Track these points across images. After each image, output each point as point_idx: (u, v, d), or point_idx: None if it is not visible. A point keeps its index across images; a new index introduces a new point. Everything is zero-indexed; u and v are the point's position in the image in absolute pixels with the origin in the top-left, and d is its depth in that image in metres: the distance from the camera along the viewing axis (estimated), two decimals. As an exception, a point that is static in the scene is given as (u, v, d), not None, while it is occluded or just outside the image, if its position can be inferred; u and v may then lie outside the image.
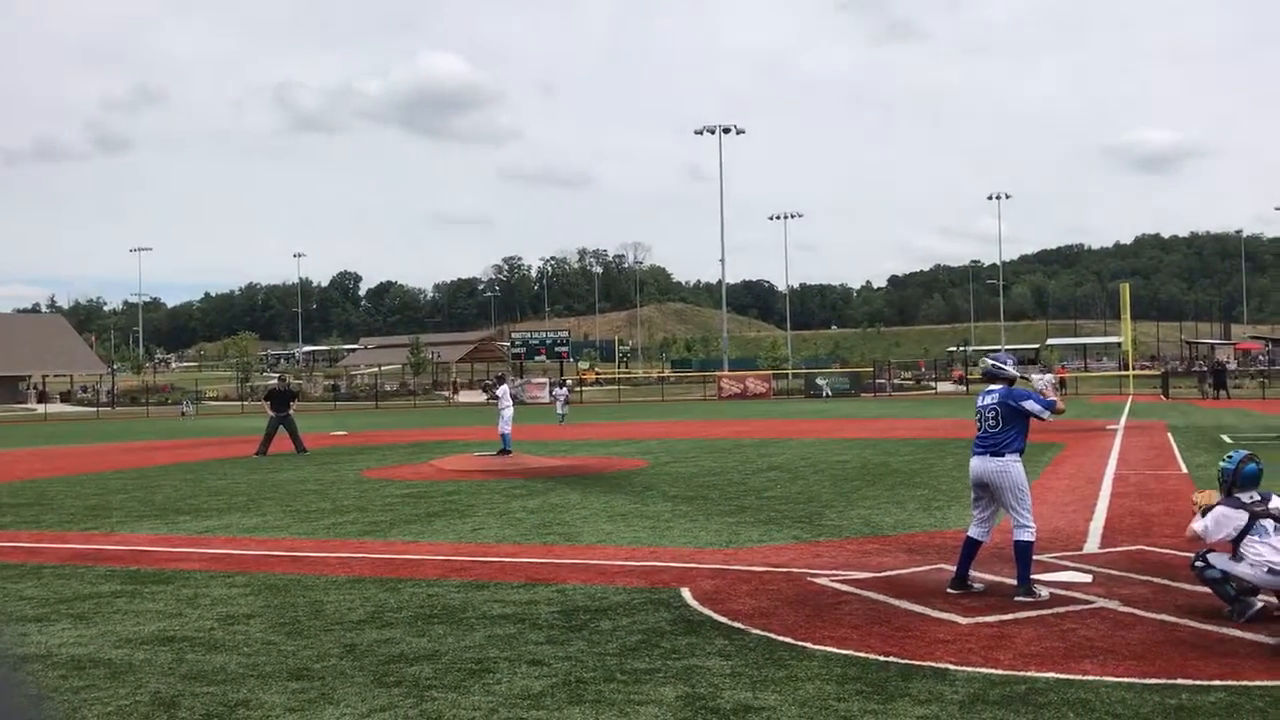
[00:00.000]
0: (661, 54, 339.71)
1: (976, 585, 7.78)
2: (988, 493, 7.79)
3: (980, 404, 7.92)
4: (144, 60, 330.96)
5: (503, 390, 22.94)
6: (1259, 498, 6.94)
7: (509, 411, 21.98)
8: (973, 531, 7.85)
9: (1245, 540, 6.76)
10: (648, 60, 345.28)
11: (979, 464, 7.77)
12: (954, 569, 7.94)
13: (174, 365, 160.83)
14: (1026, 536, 7.57)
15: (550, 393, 40.43)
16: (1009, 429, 7.70)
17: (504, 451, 20.99)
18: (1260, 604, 6.66)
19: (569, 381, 52.49)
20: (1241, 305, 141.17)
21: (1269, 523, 6.76)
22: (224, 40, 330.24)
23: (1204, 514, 7.11)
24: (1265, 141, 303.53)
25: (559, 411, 38.38)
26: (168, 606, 7.87)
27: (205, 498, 15.51)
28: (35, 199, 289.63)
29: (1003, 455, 7.65)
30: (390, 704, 5.36)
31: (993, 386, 7.95)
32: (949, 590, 7.74)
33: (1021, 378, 8.20)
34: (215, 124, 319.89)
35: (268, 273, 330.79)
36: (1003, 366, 8.03)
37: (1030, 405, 7.72)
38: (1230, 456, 7.28)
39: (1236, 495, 7.00)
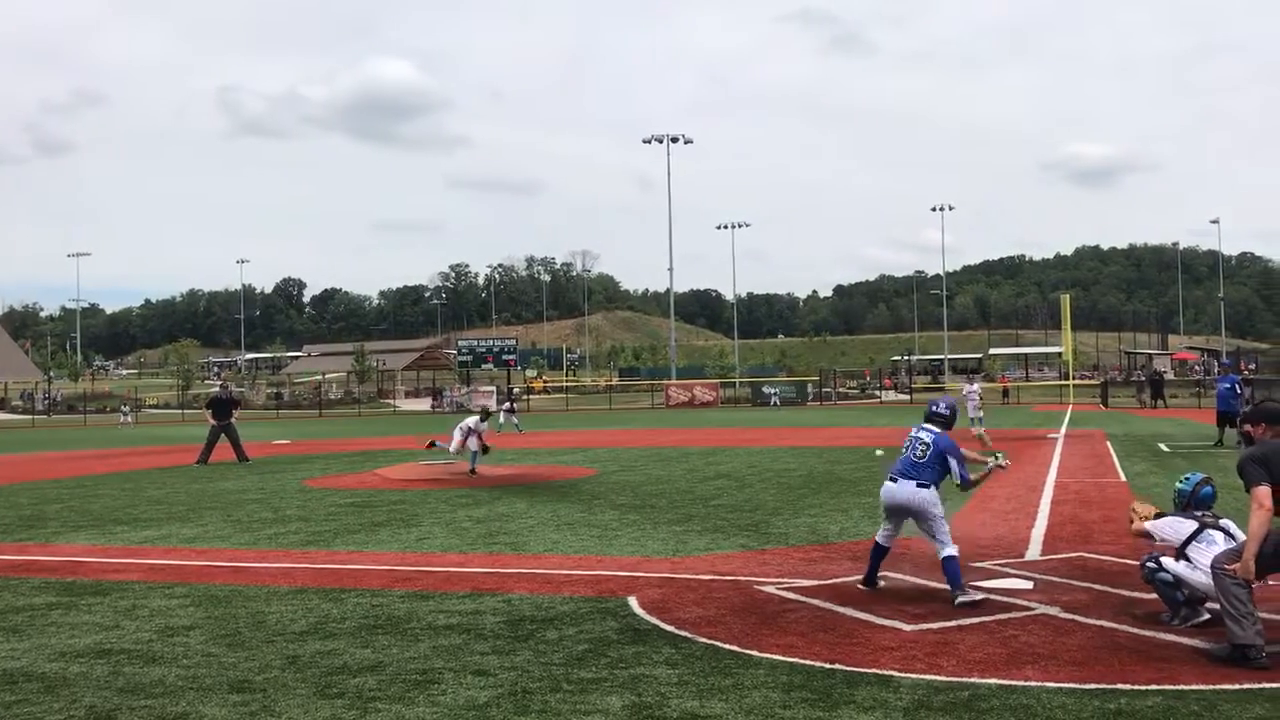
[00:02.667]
0: (611, 62, 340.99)
1: (882, 582, 8.25)
2: (901, 516, 8.06)
3: (914, 434, 8.15)
4: (85, 63, 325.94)
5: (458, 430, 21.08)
6: (1211, 515, 7.10)
7: (473, 441, 20.38)
8: (881, 539, 8.20)
9: (1190, 546, 6.90)
10: (597, 68, 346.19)
11: (897, 489, 7.99)
12: (901, 575, 8.03)
13: (122, 372, 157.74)
14: (952, 552, 7.76)
15: (500, 405, 39.77)
16: (934, 464, 7.95)
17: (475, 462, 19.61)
18: (1207, 615, 6.77)
19: (515, 390, 51.85)
20: (1178, 316, 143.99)
21: (1217, 534, 6.89)
22: (167, 43, 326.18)
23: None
24: (1200, 157, 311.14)
25: (515, 422, 38.35)
26: (105, 618, 7.72)
27: (144, 507, 15.24)
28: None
29: (928, 486, 7.91)
30: (333, 716, 5.30)
31: (930, 425, 8.19)
32: (859, 587, 8.12)
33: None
34: (157, 128, 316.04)
35: (210, 279, 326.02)
36: (943, 412, 8.27)
37: (954, 466, 7.98)
38: (1187, 478, 7.40)
39: (1191, 512, 7.16)
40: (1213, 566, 6.33)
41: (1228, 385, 24.99)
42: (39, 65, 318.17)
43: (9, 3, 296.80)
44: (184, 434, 39.55)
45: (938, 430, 8.13)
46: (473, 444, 19.19)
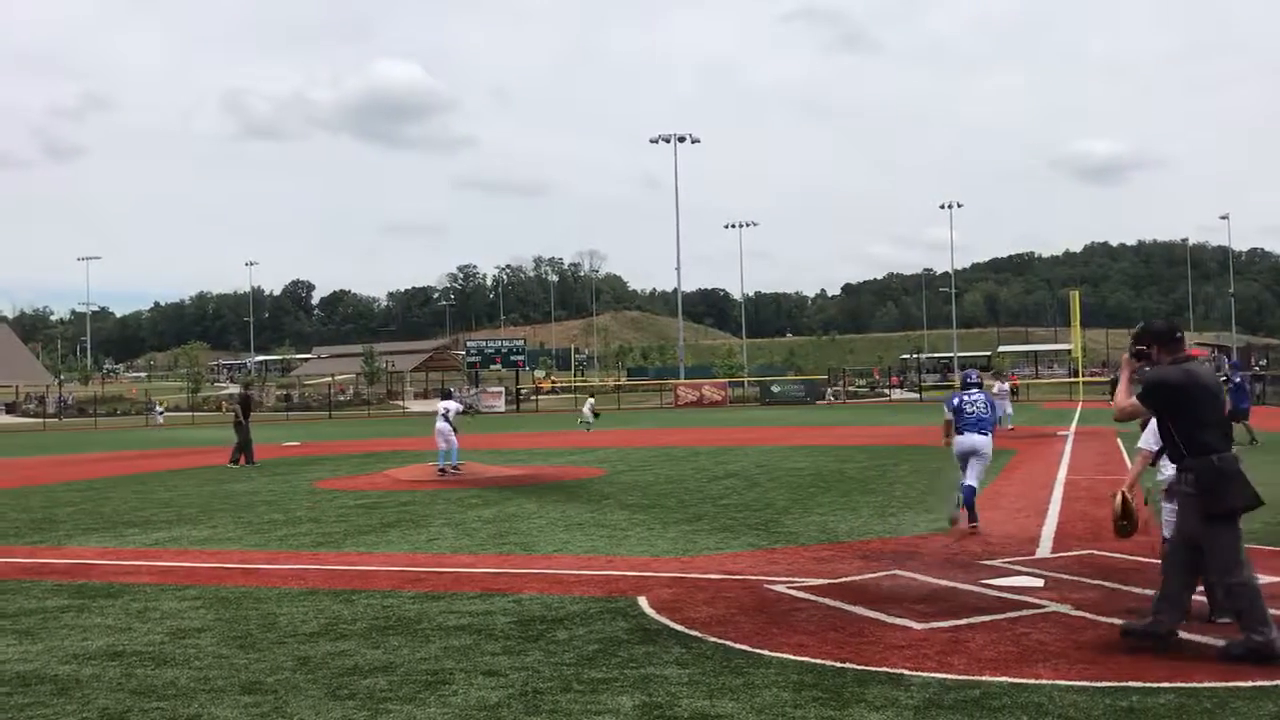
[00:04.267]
0: (617, 62, 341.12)
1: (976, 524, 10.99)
2: (970, 458, 11.36)
3: (969, 398, 11.49)
4: (92, 67, 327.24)
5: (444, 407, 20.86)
6: None
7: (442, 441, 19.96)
8: (970, 480, 11.29)
9: (1163, 456, 6.97)
10: (603, 68, 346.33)
11: (976, 439, 11.36)
12: (911, 574, 8.03)
13: (142, 375, 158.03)
14: (975, 484, 11.29)
15: (584, 405, 40.01)
16: (989, 417, 11.48)
17: (453, 467, 19.96)
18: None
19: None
20: (1188, 312, 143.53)
21: None
22: (174, 47, 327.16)
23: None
24: (1209, 152, 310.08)
25: (590, 419, 38.17)
26: (116, 621, 7.74)
27: (155, 510, 15.28)
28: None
29: (987, 433, 11.46)
30: (345, 717, 5.30)
31: (973, 392, 11.65)
32: (968, 525, 10.92)
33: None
34: (165, 131, 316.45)
35: (219, 281, 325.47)
36: (976, 381, 11.96)
37: (998, 410, 12.07)
38: None
39: None
40: (1219, 580, 6.23)
41: (1237, 380, 24.90)
42: (46, 70, 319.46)
43: (15, 8, 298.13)
44: (195, 436, 39.66)
45: (980, 392, 11.66)
46: (441, 443, 19.71)
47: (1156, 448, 7.05)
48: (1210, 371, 6.45)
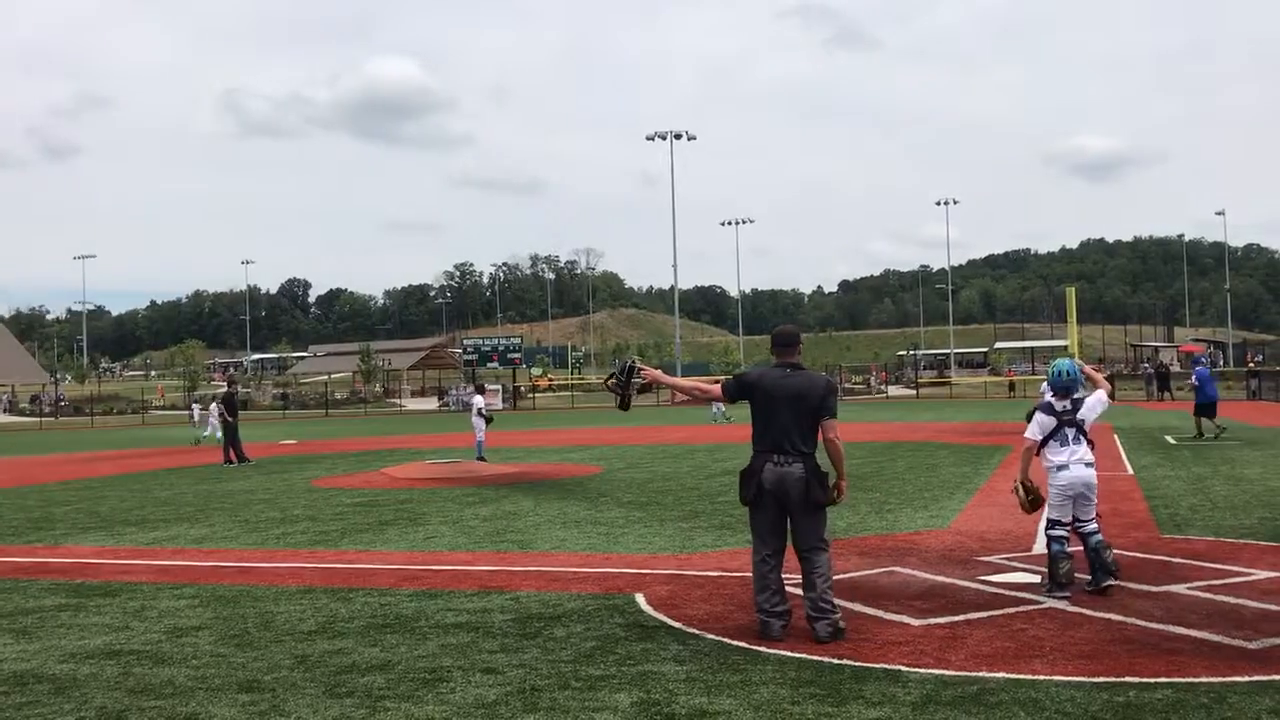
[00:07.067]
0: (614, 60, 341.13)
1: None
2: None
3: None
4: (89, 66, 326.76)
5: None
6: (1070, 406, 7.75)
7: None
8: None
9: (1048, 443, 7.66)
10: (600, 66, 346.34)
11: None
12: (909, 570, 8.07)
13: (137, 374, 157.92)
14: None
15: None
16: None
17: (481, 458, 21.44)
18: (1111, 581, 7.55)
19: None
20: (1184, 308, 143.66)
21: (1071, 431, 7.65)
22: (171, 46, 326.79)
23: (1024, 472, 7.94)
24: (1205, 149, 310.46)
25: (725, 412, 37.76)
26: (114, 619, 7.73)
27: (152, 508, 15.27)
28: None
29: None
30: (342, 715, 5.30)
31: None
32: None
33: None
34: (162, 130, 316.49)
35: (215, 280, 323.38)
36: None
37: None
38: (1056, 364, 8.05)
39: (1050, 401, 7.81)
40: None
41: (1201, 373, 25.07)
42: (43, 69, 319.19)
43: (12, 7, 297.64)
44: (192, 435, 39.57)
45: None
46: (478, 435, 21.81)
47: (1040, 438, 7.69)
48: (785, 379, 6.79)
